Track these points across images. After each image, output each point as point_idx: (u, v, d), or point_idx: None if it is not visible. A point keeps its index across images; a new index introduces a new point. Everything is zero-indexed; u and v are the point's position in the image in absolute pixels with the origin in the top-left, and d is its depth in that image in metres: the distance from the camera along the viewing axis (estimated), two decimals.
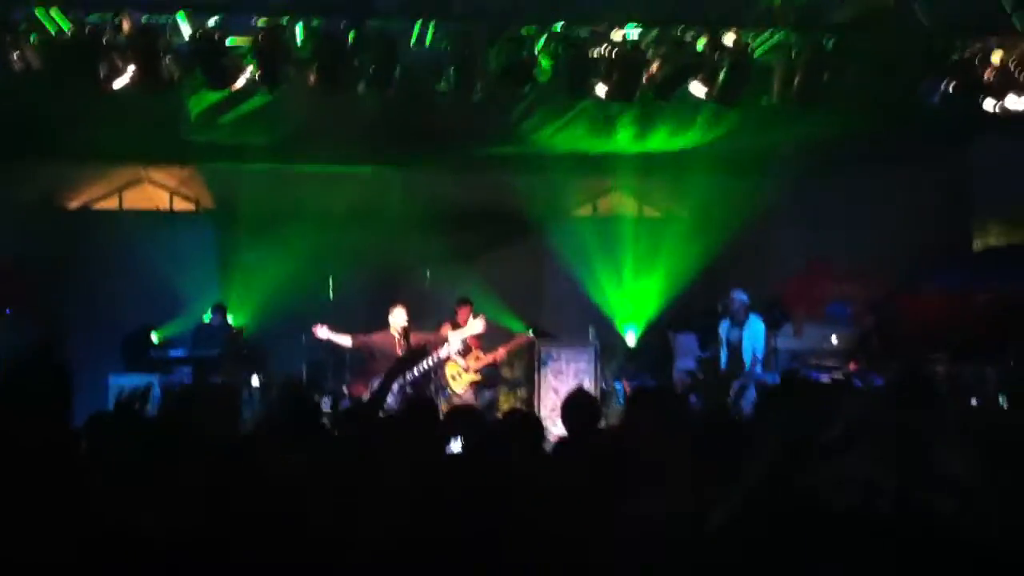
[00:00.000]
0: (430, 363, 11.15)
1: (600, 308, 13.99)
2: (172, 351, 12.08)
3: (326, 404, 11.02)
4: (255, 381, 11.73)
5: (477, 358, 11.64)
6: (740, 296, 11.24)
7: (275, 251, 13.28)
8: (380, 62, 9.06)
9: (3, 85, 9.14)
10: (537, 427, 5.88)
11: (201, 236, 13.70)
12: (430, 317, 11.88)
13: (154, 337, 12.89)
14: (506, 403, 13.11)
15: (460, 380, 11.51)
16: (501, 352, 11.95)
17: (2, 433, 3.51)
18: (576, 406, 5.95)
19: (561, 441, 5.70)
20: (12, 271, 12.28)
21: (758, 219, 13.29)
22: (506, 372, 13.47)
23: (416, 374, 10.93)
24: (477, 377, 11.61)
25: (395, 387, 10.59)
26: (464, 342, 11.47)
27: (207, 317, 12.60)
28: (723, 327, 11.37)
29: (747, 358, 11.16)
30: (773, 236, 13.24)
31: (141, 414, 4.30)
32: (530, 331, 12.89)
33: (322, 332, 11.19)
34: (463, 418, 6.09)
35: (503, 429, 5.96)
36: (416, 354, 10.36)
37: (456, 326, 11.64)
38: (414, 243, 13.10)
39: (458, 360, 11.50)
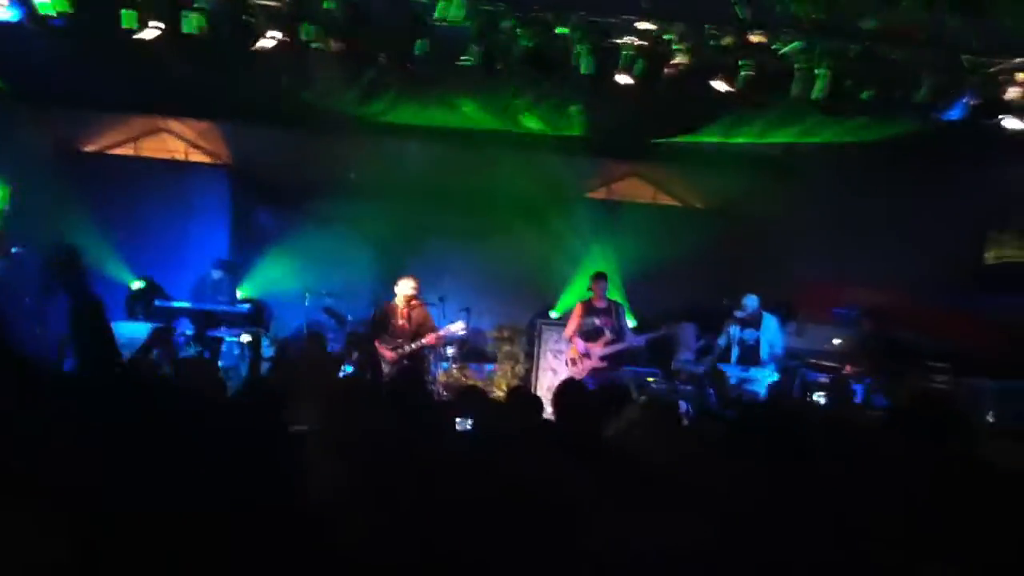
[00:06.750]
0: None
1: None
2: (175, 302, 12.04)
3: None
4: (245, 339, 11.71)
5: (605, 343, 11.34)
6: (752, 301, 11.30)
7: (286, 214, 13.36)
8: (403, 34, 9.04)
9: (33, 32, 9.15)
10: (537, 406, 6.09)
11: (216, 190, 13.70)
12: (435, 292, 11.95)
13: (135, 284, 12.91)
14: (503, 379, 13.16)
15: (581, 365, 11.30)
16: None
17: None
18: (565, 395, 6.03)
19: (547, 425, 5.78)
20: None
21: (773, 220, 13.25)
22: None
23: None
24: (603, 364, 11.29)
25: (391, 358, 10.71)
26: (591, 325, 11.35)
27: (215, 272, 12.56)
28: (734, 329, 11.39)
29: (764, 355, 11.28)
30: (786, 238, 13.16)
31: None
32: None
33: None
34: (470, 398, 6.23)
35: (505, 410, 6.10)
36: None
37: (588, 302, 11.56)
38: (426, 218, 13.11)
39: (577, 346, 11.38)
